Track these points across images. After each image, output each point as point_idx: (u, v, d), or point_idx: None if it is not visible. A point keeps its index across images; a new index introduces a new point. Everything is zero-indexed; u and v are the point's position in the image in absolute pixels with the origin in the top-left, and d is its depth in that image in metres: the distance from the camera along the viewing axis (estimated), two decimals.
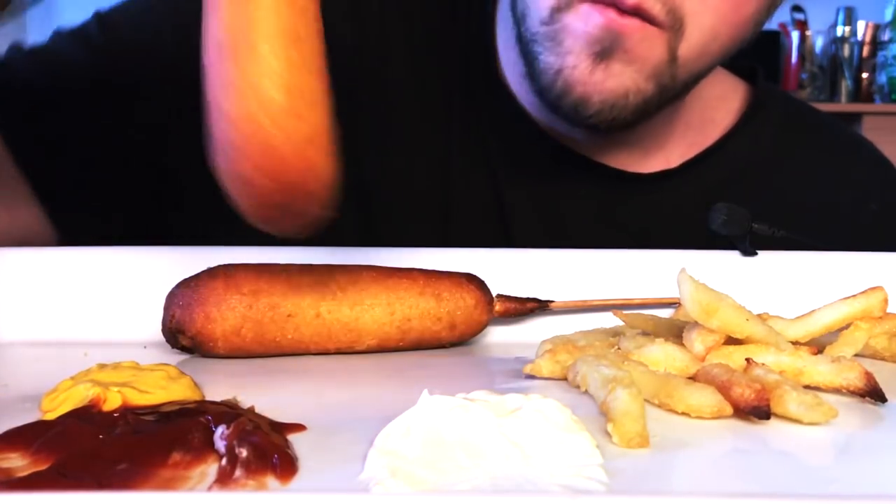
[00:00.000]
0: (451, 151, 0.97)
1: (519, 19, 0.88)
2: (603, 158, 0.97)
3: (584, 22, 0.81)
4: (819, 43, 4.03)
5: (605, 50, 0.81)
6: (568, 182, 0.97)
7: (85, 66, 0.92)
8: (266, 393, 0.61)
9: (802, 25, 3.97)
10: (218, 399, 0.57)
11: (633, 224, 0.96)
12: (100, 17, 0.95)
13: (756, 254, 0.83)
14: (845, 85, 3.94)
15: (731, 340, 0.63)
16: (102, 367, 0.60)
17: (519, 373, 0.66)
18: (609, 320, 0.76)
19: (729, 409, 0.56)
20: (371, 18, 0.98)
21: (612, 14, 0.80)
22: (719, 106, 1.03)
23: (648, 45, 0.81)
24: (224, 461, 0.47)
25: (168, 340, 0.70)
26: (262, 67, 0.56)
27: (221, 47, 0.57)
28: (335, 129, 0.59)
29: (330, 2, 0.96)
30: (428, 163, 0.97)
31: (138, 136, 0.93)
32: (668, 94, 0.87)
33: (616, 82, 0.82)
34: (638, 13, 0.79)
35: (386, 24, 0.99)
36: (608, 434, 0.52)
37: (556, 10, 0.82)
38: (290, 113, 0.56)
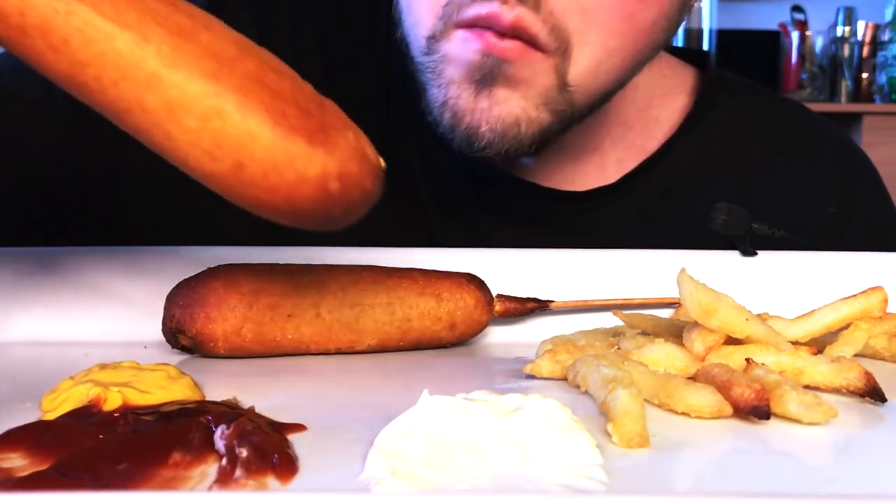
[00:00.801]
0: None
1: (405, 49, 0.83)
2: (535, 176, 0.91)
3: (462, 49, 0.75)
4: (819, 43, 4.04)
5: (487, 76, 0.75)
6: (498, 209, 0.91)
7: None
8: (266, 393, 0.61)
9: (802, 25, 3.98)
10: (218, 399, 0.57)
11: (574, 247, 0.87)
12: None
13: (756, 254, 0.83)
14: (845, 85, 3.94)
15: (731, 340, 0.63)
16: (103, 367, 0.60)
17: (519, 373, 0.66)
18: (609, 320, 0.76)
19: (729, 409, 0.56)
20: (282, 56, 0.94)
21: (490, 37, 0.74)
22: (664, 103, 0.96)
23: (531, 72, 0.76)
24: (224, 461, 0.47)
25: (168, 340, 0.70)
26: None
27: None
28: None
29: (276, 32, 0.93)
30: None
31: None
32: (572, 118, 0.81)
33: (502, 109, 0.77)
34: (518, 35, 0.74)
35: (301, 61, 0.95)
36: (608, 434, 0.52)
37: (433, 40, 0.77)
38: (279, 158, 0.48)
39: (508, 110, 0.77)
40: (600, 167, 0.94)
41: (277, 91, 0.50)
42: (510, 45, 0.74)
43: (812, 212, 0.96)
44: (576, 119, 0.82)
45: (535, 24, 0.73)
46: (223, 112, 0.48)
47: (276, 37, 0.93)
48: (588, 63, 0.77)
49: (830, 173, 0.99)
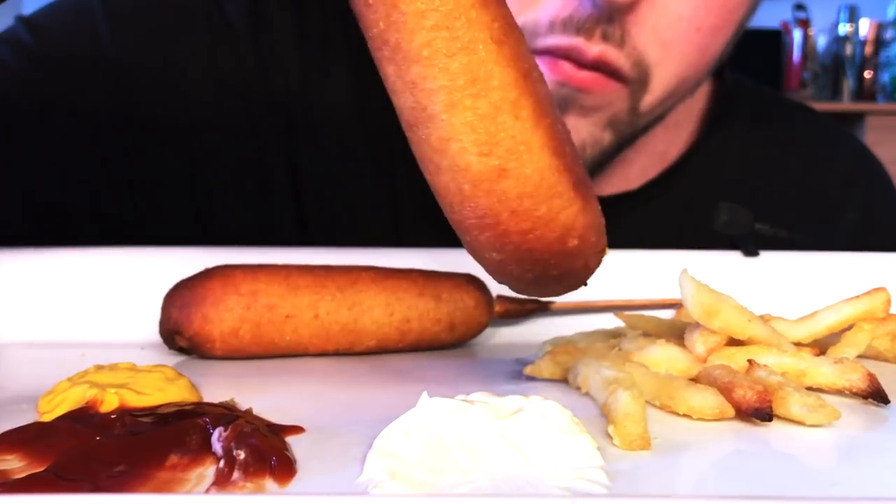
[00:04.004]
0: (398, 182, 0.91)
1: None
2: None
3: None
4: (821, 41, 4.03)
5: (560, 104, 0.75)
6: None
7: (17, 70, 0.85)
8: (264, 394, 0.61)
9: (805, 24, 3.97)
10: (216, 401, 0.57)
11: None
12: (27, 22, 0.89)
13: (758, 254, 0.82)
14: (847, 84, 3.93)
15: (733, 342, 0.63)
16: (99, 368, 0.60)
17: (519, 374, 0.66)
18: (610, 321, 0.76)
19: (731, 411, 0.56)
20: (313, 39, 0.93)
21: (567, 67, 0.74)
22: (683, 109, 0.97)
23: (607, 100, 0.77)
24: (222, 463, 0.47)
25: (165, 341, 0.70)
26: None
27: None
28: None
29: (275, 24, 0.93)
30: (370, 183, 0.91)
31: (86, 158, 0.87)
32: (630, 138, 0.83)
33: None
34: (600, 67, 0.74)
35: (327, 46, 0.93)
36: (609, 436, 0.52)
37: None
38: (490, 177, 0.45)
39: (575, 135, 0.77)
40: (624, 176, 0.95)
41: (565, 132, 0.47)
42: (590, 76, 0.75)
43: (831, 219, 0.98)
44: (631, 140, 0.84)
45: (619, 59, 0.74)
46: (519, 112, 0.44)
47: (309, 43, 0.93)
48: (662, 91, 0.79)
49: (847, 180, 1.01)
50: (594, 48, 0.73)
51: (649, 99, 0.79)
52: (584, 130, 0.78)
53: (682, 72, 0.79)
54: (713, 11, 0.78)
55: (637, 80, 0.77)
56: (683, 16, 0.76)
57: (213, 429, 0.49)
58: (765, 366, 0.60)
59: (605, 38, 0.74)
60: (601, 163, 0.82)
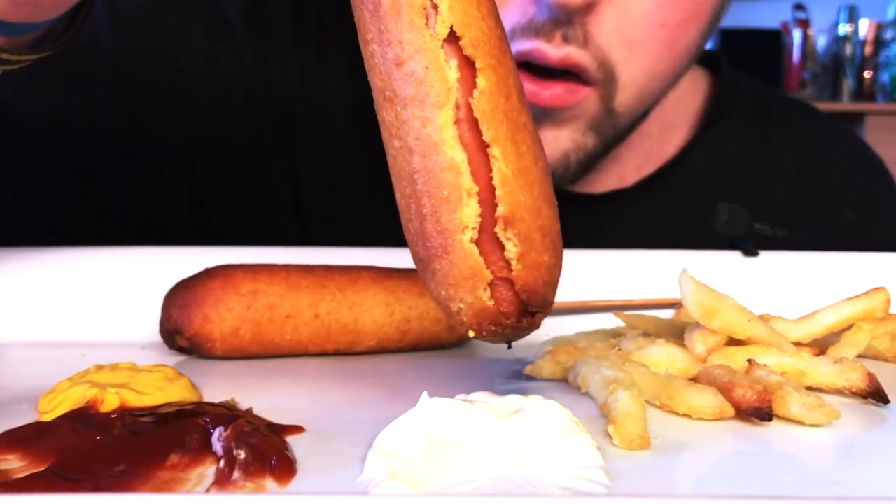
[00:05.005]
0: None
1: None
2: None
3: None
4: (821, 42, 4.03)
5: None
6: None
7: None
8: (264, 394, 0.61)
9: (804, 24, 3.97)
10: (216, 400, 0.57)
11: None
12: None
13: (758, 254, 0.82)
14: (847, 84, 3.93)
15: (733, 341, 0.63)
16: (100, 368, 0.60)
17: (519, 374, 0.66)
18: (610, 321, 0.76)
19: (730, 411, 0.56)
20: (312, 37, 0.93)
21: (529, 86, 0.74)
22: (679, 108, 0.97)
23: (579, 109, 0.76)
24: (222, 463, 0.47)
25: (166, 341, 0.70)
26: None
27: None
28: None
29: (274, 23, 0.94)
30: (369, 183, 0.91)
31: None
32: (615, 140, 0.82)
33: (550, 147, 0.77)
34: (565, 69, 0.74)
35: (325, 44, 0.93)
36: (609, 435, 0.52)
37: None
38: None
39: (557, 146, 0.78)
40: (619, 174, 0.95)
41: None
42: (553, 93, 0.74)
43: (829, 217, 0.97)
44: (618, 140, 0.83)
45: (585, 59, 0.74)
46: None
47: (307, 50, 0.93)
48: (633, 90, 0.78)
49: (846, 178, 1.00)
50: (556, 51, 0.73)
51: (623, 97, 0.78)
52: (566, 138, 0.78)
53: (652, 68, 0.78)
54: (679, 5, 0.76)
55: (604, 80, 0.76)
56: (647, 13, 0.75)
57: (214, 428, 0.49)
58: (764, 365, 0.60)
59: (567, 40, 0.73)
60: (588, 165, 0.82)
